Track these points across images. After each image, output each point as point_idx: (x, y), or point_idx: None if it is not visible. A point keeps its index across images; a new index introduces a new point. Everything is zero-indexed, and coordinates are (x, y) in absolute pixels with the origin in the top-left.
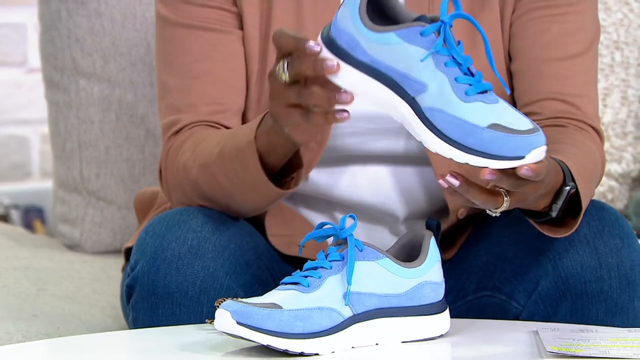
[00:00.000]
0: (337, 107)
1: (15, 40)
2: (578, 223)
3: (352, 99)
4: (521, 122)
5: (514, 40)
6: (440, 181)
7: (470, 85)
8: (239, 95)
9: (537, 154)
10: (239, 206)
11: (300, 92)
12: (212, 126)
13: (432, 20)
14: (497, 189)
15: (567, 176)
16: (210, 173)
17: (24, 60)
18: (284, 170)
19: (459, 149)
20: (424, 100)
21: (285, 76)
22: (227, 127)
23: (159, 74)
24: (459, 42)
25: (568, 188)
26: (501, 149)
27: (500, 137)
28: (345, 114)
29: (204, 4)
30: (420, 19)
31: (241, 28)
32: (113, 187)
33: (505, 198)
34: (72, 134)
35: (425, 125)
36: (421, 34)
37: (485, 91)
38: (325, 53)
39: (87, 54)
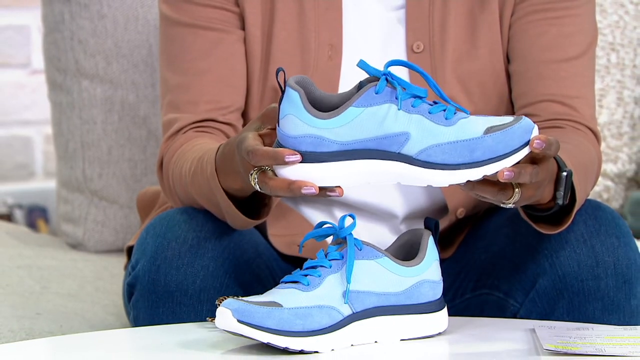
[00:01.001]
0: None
1: (19, 42)
2: (572, 216)
3: (342, 192)
4: (502, 118)
5: (512, 42)
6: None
7: (443, 110)
8: (238, 94)
9: (536, 133)
10: (225, 221)
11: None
12: (210, 125)
13: (370, 80)
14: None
15: (560, 164)
16: (190, 193)
17: (28, 61)
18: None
19: (471, 168)
20: (410, 149)
21: (256, 186)
22: (226, 123)
23: (161, 71)
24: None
25: (565, 173)
26: (507, 145)
27: (502, 135)
28: (338, 192)
29: (207, 4)
30: (360, 85)
31: (243, 28)
32: (115, 186)
33: (516, 190)
34: (75, 135)
35: (426, 168)
36: (376, 93)
37: (457, 109)
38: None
39: (89, 55)
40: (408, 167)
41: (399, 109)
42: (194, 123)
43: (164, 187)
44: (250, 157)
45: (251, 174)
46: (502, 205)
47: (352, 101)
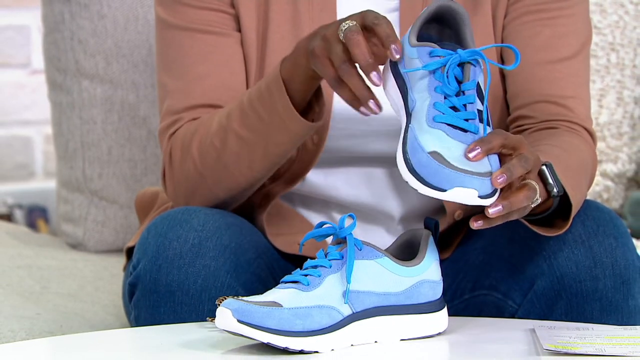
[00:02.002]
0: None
1: (19, 42)
2: (571, 219)
3: (378, 111)
4: (472, 164)
5: (506, 43)
6: (491, 216)
7: (442, 114)
8: (237, 97)
9: (461, 194)
10: (263, 157)
11: (342, 63)
12: None
13: (461, 48)
14: (523, 182)
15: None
16: (232, 129)
17: (28, 61)
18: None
19: (405, 165)
20: (413, 117)
21: (342, 33)
22: None
23: (158, 76)
24: (472, 81)
25: (544, 167)
26: (429, 176)
27: (433, 165)
28: (377, 109)
29: (202, 7)
30: (443, 44)
31: (239, 30)
32: (115, 186)
33: (534, 184)
34: (75, 135)
35: (402, 139)
36: (429, 54)
37: (461, 128)
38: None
39: (89, 55)
40: (403, 129)
41: (425, 80)
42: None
43: (175, 177)
44: (379, 21)
45: (350, 22)
46: (532, 205)
47: (420, 44)
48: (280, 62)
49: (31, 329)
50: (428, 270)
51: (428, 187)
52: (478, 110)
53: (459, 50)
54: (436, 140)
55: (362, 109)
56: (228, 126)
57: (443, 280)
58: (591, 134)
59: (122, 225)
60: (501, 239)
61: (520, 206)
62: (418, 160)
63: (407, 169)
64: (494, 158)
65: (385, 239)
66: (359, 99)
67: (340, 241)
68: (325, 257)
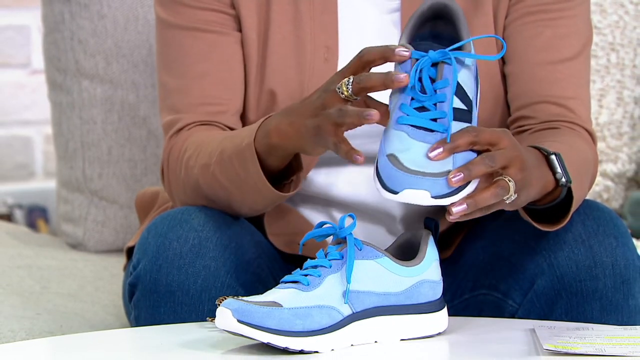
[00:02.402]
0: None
1: (19, 42)
2: (570, 213)
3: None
4: (431, 164)
5: (507, 44)
6: (451, 218)
7: (407, 115)
8: (237, 96)
9: (411, 196)
10: (240, 207)
11: (342, 110)
12: (213, 126)
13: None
14: (496, 177)
15: (543, 150)
16: (211, 173)
17: (28, 61)
18: (284, 173)
19: (374, 168)
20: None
21: (347, 92)
22: (227, 127)
23: (159, 75)
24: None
25: (553, 156)
26: (386, 178)
27: (388, 167)
28: (360, 158)
29: (202, 7)
30: (419, 44)
31: (239, 30)
32: (115, 186)
33: (506, 178)
34: (75, 135)
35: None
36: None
37: (426, 129)
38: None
39: (89, 55)
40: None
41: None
42: (197, 122)
43: (171, 181)
44: (363, 53)
45: (345, 80)
46: (507, 202)
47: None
48: (256, 130)
49: (31, 329)
50: (428, 270)
51: (385, 189)
52: (458, 109)
53: (430, 52)
54: (397, 142)
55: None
56: (211, 169)
57: (443, 280)
58: (592, 135)
59: (122, 225)
60: (501, 238)
61: (486, 204)
62: (380, 163)
63: (374, 172)
64: (465, 156)
65: (386, 238)
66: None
67: (340, 241)
68: (325, 257)
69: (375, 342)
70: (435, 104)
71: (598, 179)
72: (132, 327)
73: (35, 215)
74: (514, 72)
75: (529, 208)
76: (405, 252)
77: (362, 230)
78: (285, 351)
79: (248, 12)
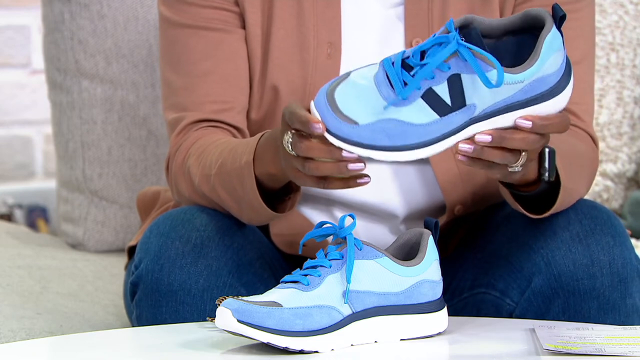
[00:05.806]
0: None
1: (19, 42)
2: (557, 200)
3: (365, 165)
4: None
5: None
6: (460, 157)
7: (392, 64)
8: (243, 94)
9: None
10: (239, 217)
11: (305, 165)
12: (218, 125)
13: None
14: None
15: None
16: (212, 184)
17: (28, 61)
18: (283, 189)
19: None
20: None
21: (290, 151)
22: (232, 125)
23: (163, 73)
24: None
25: (547, 150)
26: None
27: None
28: (367, 179)
29: (206, 5)
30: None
31: (243, 27)
32: (115, 186)
33: (523, 153)
34: (75, 135)
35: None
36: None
37: (391, 84)
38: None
39: (89, 55)
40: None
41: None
42: (203, 121)
43: (174, 181)
44: (286, 114)
45: (286, 137)
46: (510, 169)
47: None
48: (254, 149)
49: (31, 329)
50: (428, 270)
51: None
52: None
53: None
54: (366, 69)
55: (360, 180)
56: (212, 181)
57: (442, 279)
58: (594, 140)
59: (122, 225)
60: (499, 237)
61: (491, 159)
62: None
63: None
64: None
65: (388, 238)
66: (348, 182)
67: (340, 241)
68: (325, 257)
69: (375, 342)
70: (420, 78)
71: (598, 179)
72: (133, 326)
73: (35, 215)
74: None
75: (517, 194)
76: (405, 252)
77: (364, 230)
78: (285, 351)
79: (252, 9)
